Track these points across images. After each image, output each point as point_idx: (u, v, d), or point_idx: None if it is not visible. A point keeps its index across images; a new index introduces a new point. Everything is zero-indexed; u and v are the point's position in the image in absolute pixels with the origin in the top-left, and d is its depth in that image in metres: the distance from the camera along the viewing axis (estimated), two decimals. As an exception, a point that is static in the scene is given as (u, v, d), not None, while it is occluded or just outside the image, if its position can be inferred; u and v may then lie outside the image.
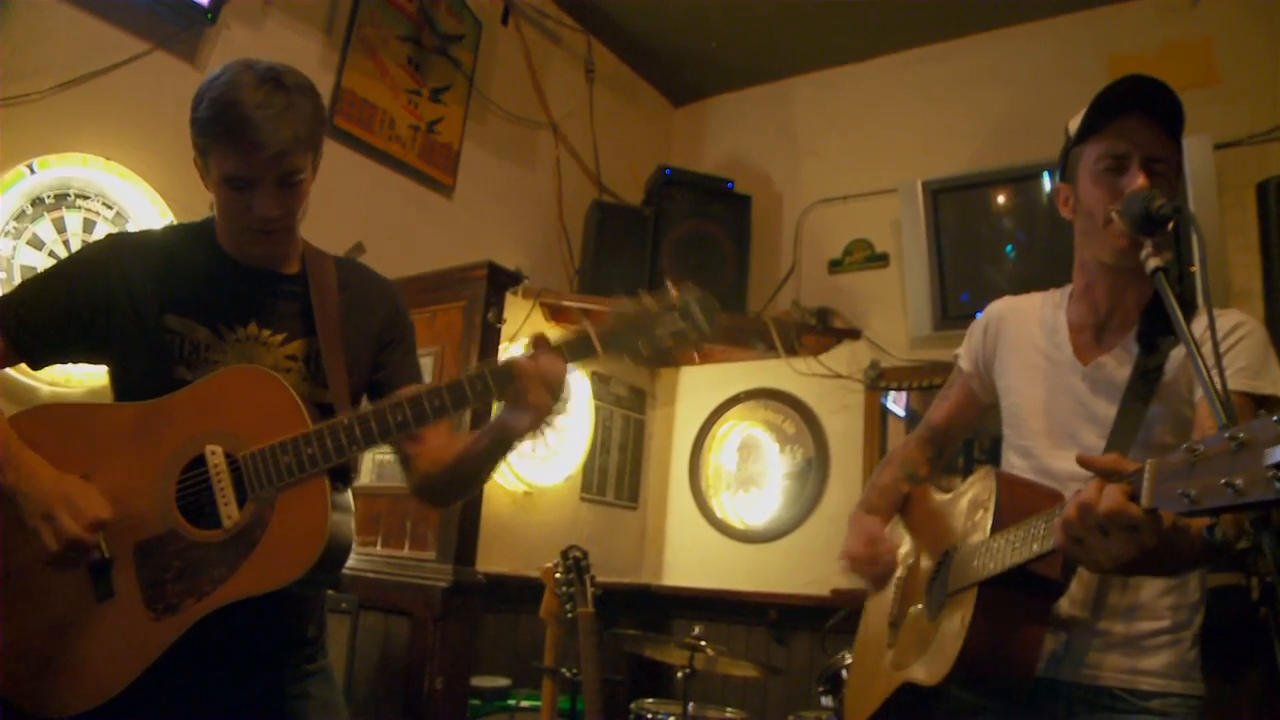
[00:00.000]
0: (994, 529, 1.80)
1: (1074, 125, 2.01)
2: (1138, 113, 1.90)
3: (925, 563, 2.11)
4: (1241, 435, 1.19)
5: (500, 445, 1.93)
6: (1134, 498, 1.37)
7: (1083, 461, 1.51)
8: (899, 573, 2.22)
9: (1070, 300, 2.11)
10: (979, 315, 2.31)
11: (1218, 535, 1.38)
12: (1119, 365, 1.95)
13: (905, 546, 2.28)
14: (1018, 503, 1.82)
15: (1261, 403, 1.79)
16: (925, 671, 1.86)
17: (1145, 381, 1.89)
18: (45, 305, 1.89)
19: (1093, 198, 1.94)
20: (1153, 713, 1.80)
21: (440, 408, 1.81)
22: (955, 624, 1.80)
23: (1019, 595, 1.73)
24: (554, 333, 1.84)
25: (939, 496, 2.24)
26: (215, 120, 1.81)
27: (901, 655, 2.04)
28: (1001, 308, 2.26)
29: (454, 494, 2.16)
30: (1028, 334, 2.15)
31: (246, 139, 1.79)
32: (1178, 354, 1.87)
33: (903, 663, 2.01)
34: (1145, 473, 1.35)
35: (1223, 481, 1.19)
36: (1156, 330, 1.91)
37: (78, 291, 1.90)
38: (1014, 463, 2.10)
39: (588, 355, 1.83)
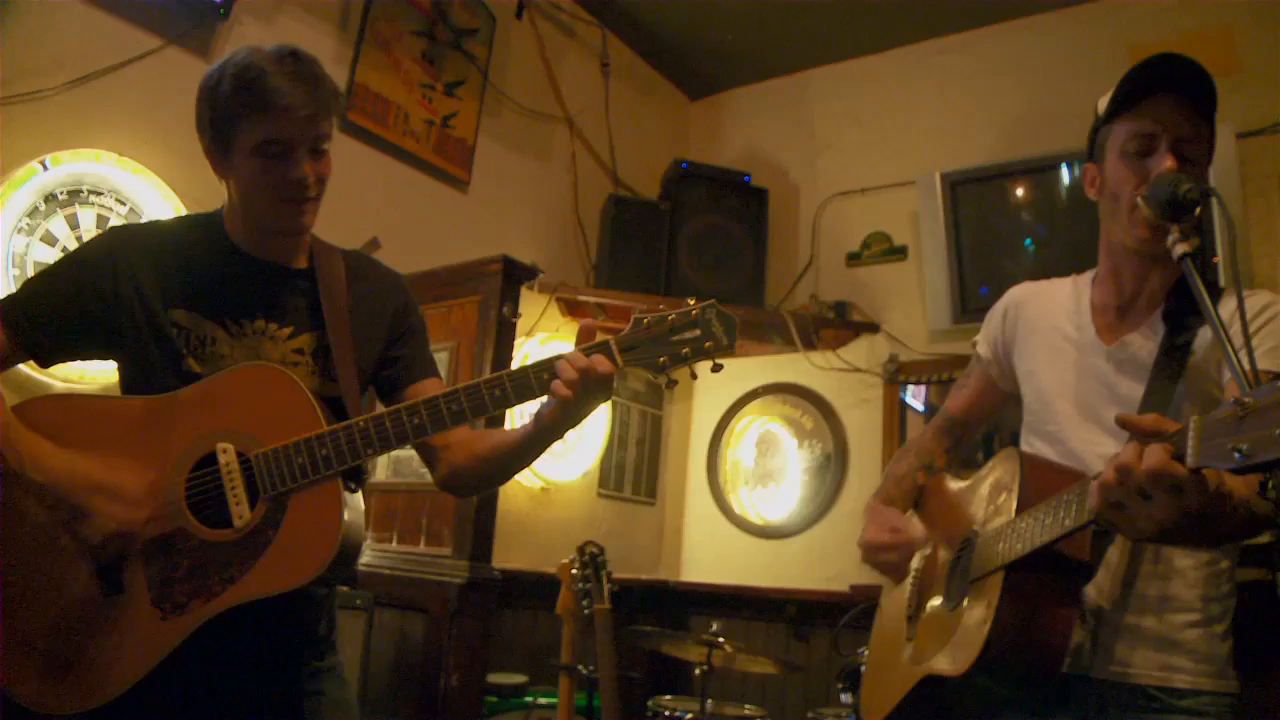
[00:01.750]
0: (1019, 510, 1.75)
1: (1104, 103, 1.97)
2: (1168, 93, 1.85)
3: (944, 553, 2.06)
4: None
5: (541, 437, 1.90)
6: (1177, 457, 1.32)
7: (1122, 420, 1.46)
8: (915, 564, 2.18)
9: (1094, 283, 2.07)
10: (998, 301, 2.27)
11: (1270, 493, 1.33)
12: (1144, 343, 1.91)
13: (921, 539, 2.23)
14: (1043, 483, 1.77)
15: None
16: (949, 661, 1.81)
17: (1173, 359, 1.85)
18: (52, 302, 1.87)
19: (1118, 179, 1.90)
20: (1187, 712, 1.75)
21: (458, 413, 1.79)
22: (980, 610, 1.75)
23: (1047, 578, 1.68)
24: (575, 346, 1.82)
25: (956, 484, 2.19)
26: (245, 90, 1.80)
27: (921, 649, 2.00)
28: (1020, 293, 2.22)
29: (484, 486, 2.15)
30: (1049, 317, 2.11)
31: (281, 103, 1.79)
32: (1205, 333, 1.83)
33: (923, 656, 1.96)
34: (1190, 430, 1.29)
35: (1277, 433, 1.14)
36: (1183, 310, 1.87)
37: (85, 286, 1.87)
38: (1038, 447, 2.05)
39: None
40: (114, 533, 1.72)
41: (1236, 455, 1.20)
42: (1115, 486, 1.41)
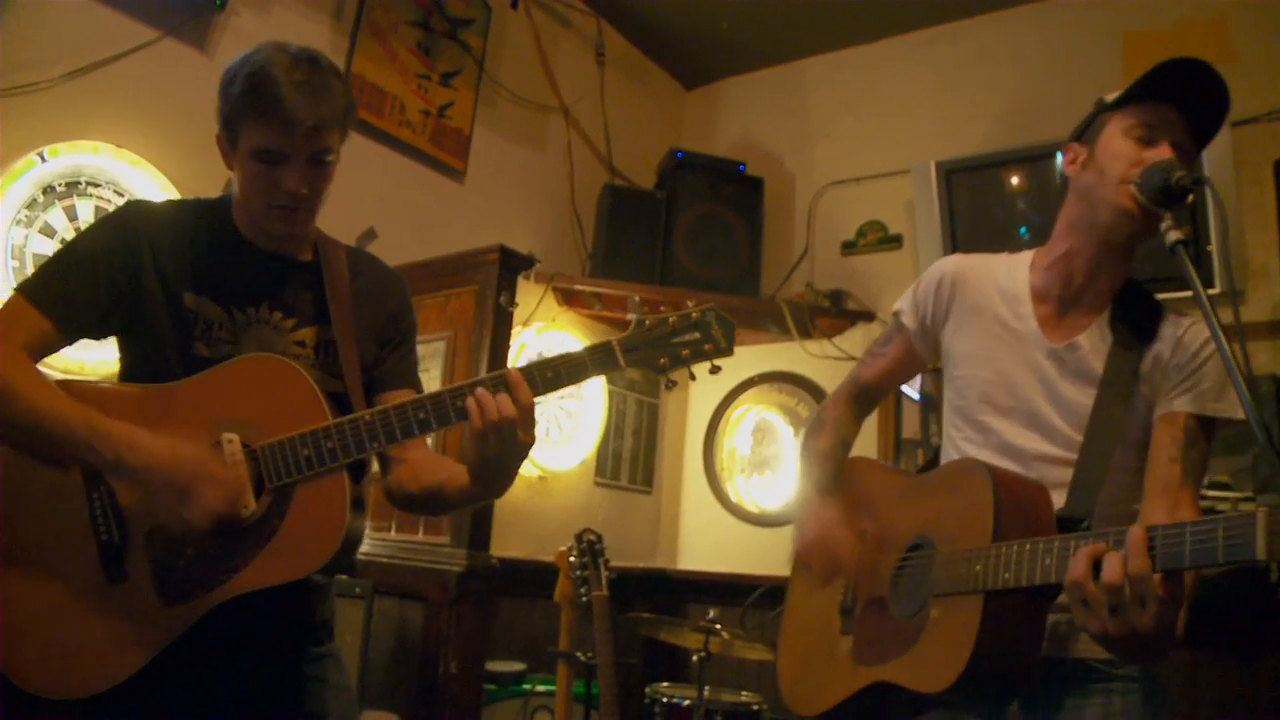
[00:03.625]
0: (997, 535, 1.69)
1: (1111, 97, 1.96)
2: (1181, 106, 1.84)
3: (886, 549, 1.99)
4: None
5: (476, 493, 1.92)
6: (1241, 544, 1.30)
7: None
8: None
9: (1034, 267, 2.03)
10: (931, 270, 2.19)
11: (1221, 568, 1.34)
12: (1093, 351, 1.90)
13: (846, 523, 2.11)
14: (1017, 504, 1.74)
15: (1210, 425, 1.80)
16: (919, 678, 1.77)
17: (1124, 376, 1.85)
18: (86, 279, 1.85)
19: (1113, 153, 1.86)
20: (1123, 678, 1.79)
21: (463, 410, 1.79)
22: (955, 631, 1.69)
23: (1022, 602, 1.65)
24: (579, 346, 1.83)
25: (899, 478, 2.15)
26: (250, 93, 1.80)
27: (864, 649, 1.94)
28: (957, 266, 2.14)
29: (424, 513, 2.16)
30: (987, 299, 2.05)
31: (282, 113, 1.79)
32: (1152, 353, 1.85)
33: (870, 658, 1.91)
34: (1259, 521, 1.28)
35: None
36: (1133, 320, 1.88)
37: (114, 261, 1.86)
38: (967, 434, 2.02)
39: (611, 367, 1.83)
40: (219, 517, 1.72)
41: None
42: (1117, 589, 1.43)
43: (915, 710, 1.94)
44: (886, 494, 2.12)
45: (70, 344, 1.90)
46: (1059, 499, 1.80)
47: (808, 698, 2.08)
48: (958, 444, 2.05)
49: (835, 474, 2.22)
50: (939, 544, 1.84)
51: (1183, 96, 1.84)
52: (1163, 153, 1.82)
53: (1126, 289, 1.93)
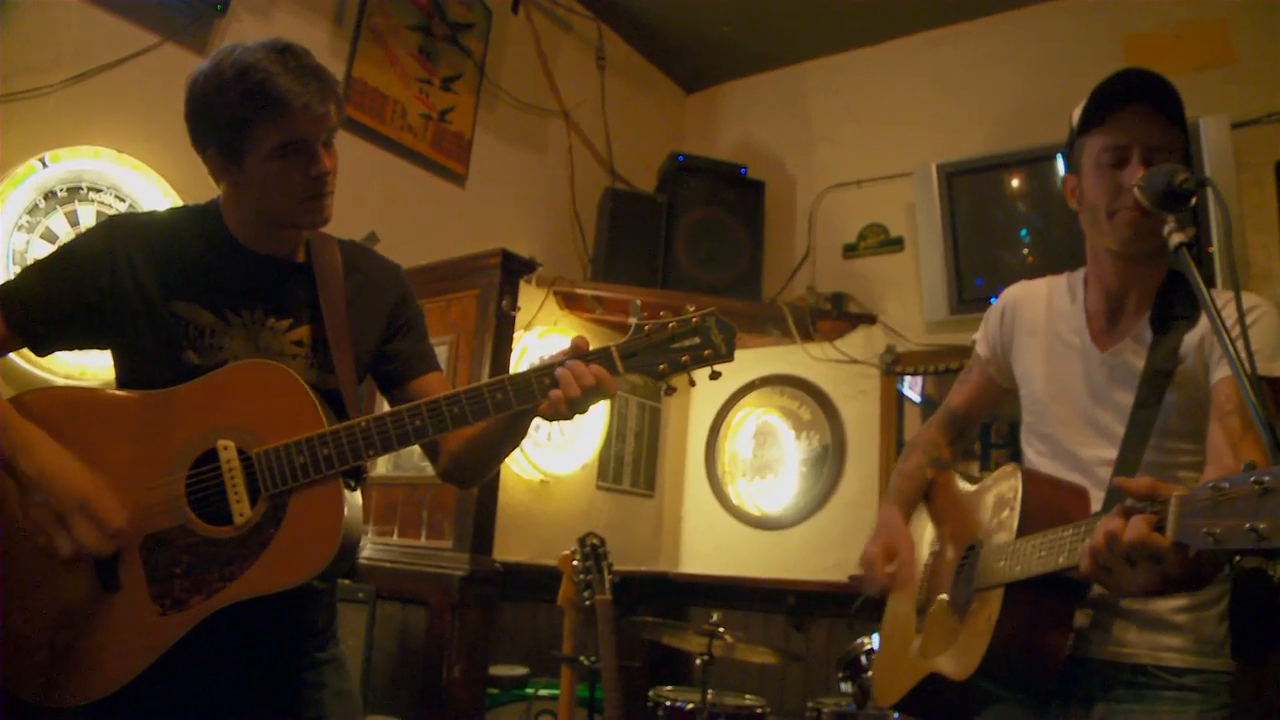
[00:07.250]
0: (1020, 531, 1.80)
1: (1077, 114, 2.01)
2: (1138, 104, 1.89)
3: (951, 552, 2.10)
4: (1267, 480, 1.19)
5: (519, 422, 1.94)
6: (1159, 528, 1.37)
7: (1119, 485, 1.50)
8: (925, 559, 2.22)
9: (1085, 285, 2.11)
10: (995, 300, 2.31)
11: (1239, 567, 1.37)
12: (1135, 352, 1.95)
13: (929, 533, 2.28)
14: (1044, 503, 1.83)
15: (1275, 385, 1.79)
16: (952, 666, 1.87)
17: (1161, 369, 1.89)
18: (52, 290, 1.85)
19: (1094, 190, 1.95)
20: (1183, 688, 1.81)
21: (459, 415, 1.80)
22: (982, 622, 1.80)
23: (1044, 595, 1.73)
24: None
25: (964, 486, 2.23)
26: (255, 95, 1.77)
27: (929, 644, 2.05)
28: (1018, 293, 2.26)
29: (482, 468, 2.15)
30: (1045, 320, 2.15)
31: (297, 103, 1.78)
32: (1191, 339, 1.88)
33: (930, 652, 2.01)
34: (1170, 507, 1.34)
35: (1247, 526, 1.19)
36: (1169, 315, 1.91)
37: (83, 276, 1.85)
38: (1037, 448, 2.11)
39: (609, 372, 1.82)
40: (85, 554, 1.71)
41: (1210, 539, 1.25)
42: (1104, 550, 1.46)
43: (966, 700, 2.00)
44: (960, 501, 2.22)
45: (37, 350, 1.93)
46: None
47: (885, 688, 2.23)
48: (1030, 459, 2.14)
49: (918, 488, 2.35)
50: (986, 544, 1.94)
51: (1132, 94, 1.90)
52: (1136, 172, 1.86)
53: (1169, 283, 1.96)
